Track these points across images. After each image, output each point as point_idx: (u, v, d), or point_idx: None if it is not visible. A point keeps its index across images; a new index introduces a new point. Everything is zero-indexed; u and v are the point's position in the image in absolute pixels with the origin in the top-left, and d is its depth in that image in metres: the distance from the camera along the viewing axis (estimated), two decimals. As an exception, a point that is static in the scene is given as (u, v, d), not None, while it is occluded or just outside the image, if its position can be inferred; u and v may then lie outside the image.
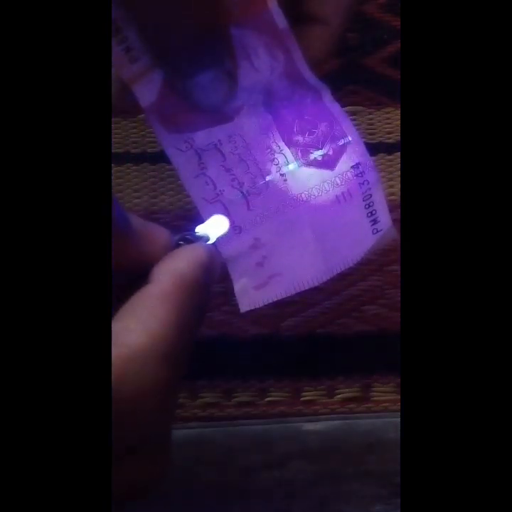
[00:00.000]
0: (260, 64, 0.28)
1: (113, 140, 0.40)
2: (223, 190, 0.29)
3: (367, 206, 0.29)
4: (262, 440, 0.38)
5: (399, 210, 0.39)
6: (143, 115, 0.40)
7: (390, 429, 0.38)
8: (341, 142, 0.29)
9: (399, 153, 0.40)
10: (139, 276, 0.26)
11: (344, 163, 0.29)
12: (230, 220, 0.29)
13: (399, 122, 0.40)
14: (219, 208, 0.29)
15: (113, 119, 0.40)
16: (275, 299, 0.29)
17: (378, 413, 0.40)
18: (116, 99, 0.28)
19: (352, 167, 0.29)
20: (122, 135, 0.40)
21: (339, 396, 0.40)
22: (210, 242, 0.29)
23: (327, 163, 0.29)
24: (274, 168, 0.29)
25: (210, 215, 0.29)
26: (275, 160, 0.29)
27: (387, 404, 0.40)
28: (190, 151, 0.28)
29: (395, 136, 0.40)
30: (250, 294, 0.29)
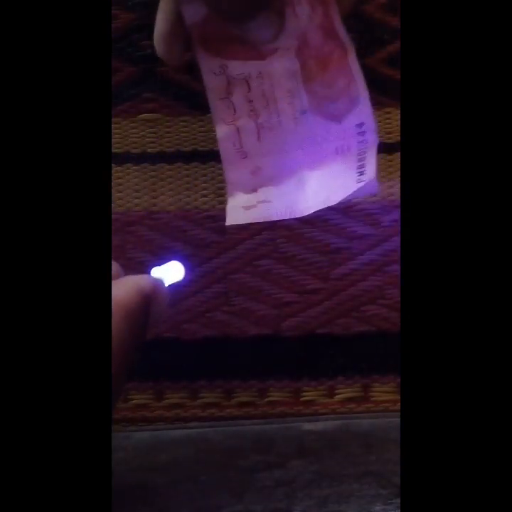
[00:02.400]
0: (301, 11, 0.30)
1: (113, 140, 0.40)
2: (240, 117, 0.32)
3: (359, 160, 0.31)
4: (262, 440, 0.38)
5: (399, 210, 0.39)
6: (144, 115, 0.40)
7: (390, 429, 0.38)
8: (353, 100, 0.32)
9: (399, 153, 0.40)
10: None
11: (350, 120, 0.32)
12: (240, 144, 0.32)
13: (399, 122, 0.40)
14: (233, 131, 0.32)
15: (113, 119, 0.40)
16: (258, 221, 0.32)
17: (378, 413, 0.40)
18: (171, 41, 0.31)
19: (356, 125, 0.32)
20: (122, 135, 0.40)
21: (339, 396, 0.40)
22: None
23: (336, 117, 0.32)
24: (289, 110, 0.32)
25: (223, 135, 0.32)
26: (292, 103, 0.31)
27: (387, 404, 0.40)
28: (222, 76, 0.31)
29: (395, 136, 0.40)
30: (239, 212, 0.32)
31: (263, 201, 0.32)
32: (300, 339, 0.40)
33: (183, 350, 0.40)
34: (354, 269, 0.40)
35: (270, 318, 0.40)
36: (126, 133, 0.40)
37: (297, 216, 0.32)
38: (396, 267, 0.40)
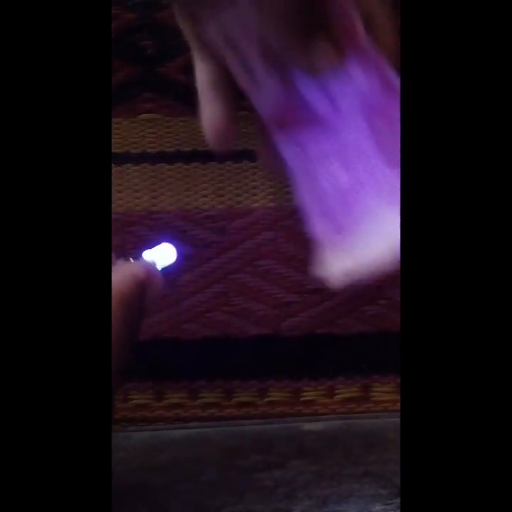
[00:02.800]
0: (356, 74, 0.32)
1: (113, 140, 0.40)
2: (322, 182, 0.33)
3: None
4: (262, 440, 0.38)
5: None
6: (144, 115, 0.40)
7: (390, 429, 0.38)
8: None
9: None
10: None
11: None
12: (324, 207, 0.33)
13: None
14: (315, 199, 0.33)
15: (113, 119, 0.40)
16: (346, 276, 0.32)
17: (378, 413, 0.40)
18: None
19: None
20: (122, 135, 0.40)
21: (339, 396, 0.40)
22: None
23: None
24: (365, 168, 0.33)
25: (306, 199, 0.33)
26: (367, 161, 0.33)
27: (387, 404, 0.40)
28: (299, 151, 0.33)
29: (395, 136, 0.40)
30: (330, 270, 0.33)
31: (349, 257, 0.33)
32: (300, 339, 0.40)
33: (183, 350, 0.40)
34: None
35: (270, 318, 0.40)
36: (126, 133, 0.40)
37: (381, 267, 0.32)
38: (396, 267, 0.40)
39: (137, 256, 0.31)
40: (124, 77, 0.40)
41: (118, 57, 0.40)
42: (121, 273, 0.28)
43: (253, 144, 0.39)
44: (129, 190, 0.40)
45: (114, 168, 0.40)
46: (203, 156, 0.40)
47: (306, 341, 0.40)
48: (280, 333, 0.40)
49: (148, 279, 0.29)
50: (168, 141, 0.40)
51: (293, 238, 0.40)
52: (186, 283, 0.40)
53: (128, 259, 0.30)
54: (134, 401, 0.40)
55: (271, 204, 0.40)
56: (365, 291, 0.40)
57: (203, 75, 0.35)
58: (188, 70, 0.39)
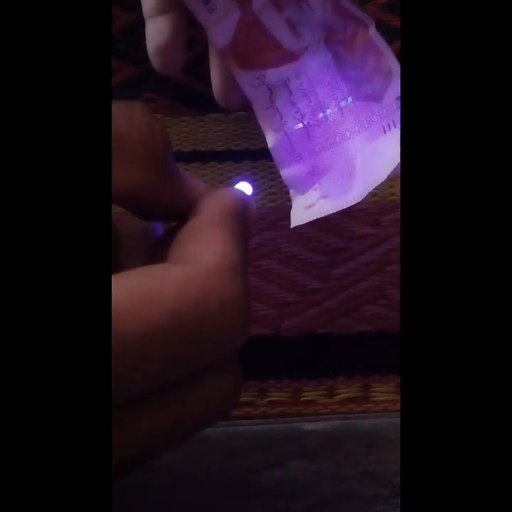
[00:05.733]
0: (315, 5, 0.31)
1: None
2: (287, 121, 0.32)
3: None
4: (262, 440, 0.38)
5: (399, 210, 0.39)
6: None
7: (390, 429, 0.38)
8: (387, 75, 0.32)
9: (399, 153, 0.40)
10: (178, 217, 0.28)
11: (389, 95, 0.32)
12: (292, 148, 0.32)
13: (399, 122, 0.40)
14: (282, 137, 0.32)
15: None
16: (319, 216, 0.32)
17: (378, 413, 0.40)
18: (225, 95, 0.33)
19: (396, 99, 0.32)
20: (122, 135, 0.40)
21: (339, 396, 0.40)
22: None
23: (376, 96, 0.32)
24: (333, 103, 0.32)
25: (275, 142, 0.32)
26: (334, 94, 0.32)
27: (387, 404, 0.40)
28: (262, 87, 0.32)
29: (395, 136, 0.40)
30: (302, 213, 0.32)
31: (322, 197, 0.32)
32: (300, 339, 0.40)
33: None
34: (354, 269, 0.40)
35: (270, 318, 0.40)
36: (126, 133, 0.40)
37: (353, 203, 0.31)
38: (396, 267, 0.40)
39: None
40: (124, 77, 0.40)
41: (118, 57, 0.40)
42: (227, 194, 0.28)
43: (253, 143, 0.39)
44: (129, 190, 0.40)
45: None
46: (203, 156, 0.40)
47: (306, 341, 0.40)
48: (280, 333, 0.40)
49: (246, 200, 0.29)
50: (168, 141, 0.40)
51: (293, 238, 0.40)
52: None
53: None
54: (134, 401, 0.40)
55: (271, 204, 0.40)
56: (365, 291, 0.40)
57: None
58: (189, 69, 0.39)
